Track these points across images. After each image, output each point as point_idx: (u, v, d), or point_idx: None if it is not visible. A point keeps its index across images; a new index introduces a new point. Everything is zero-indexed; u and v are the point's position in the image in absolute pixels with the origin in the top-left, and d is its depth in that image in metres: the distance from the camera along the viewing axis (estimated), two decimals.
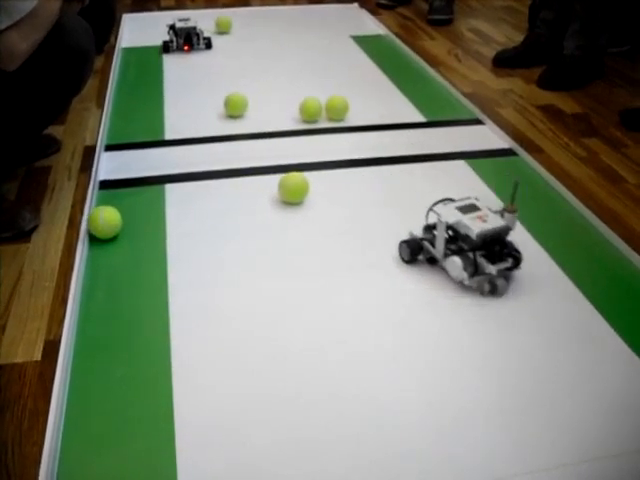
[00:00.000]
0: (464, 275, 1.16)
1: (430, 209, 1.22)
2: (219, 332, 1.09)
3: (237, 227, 1.36)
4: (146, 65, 2.22)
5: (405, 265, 1.24)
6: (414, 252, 1.24)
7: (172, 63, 2.22)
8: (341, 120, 1.81)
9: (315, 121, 1.79)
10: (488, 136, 1.76)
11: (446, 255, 1.19)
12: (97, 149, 1.63)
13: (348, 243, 1.31)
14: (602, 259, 1.29)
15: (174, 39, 2.31)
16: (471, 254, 1.17)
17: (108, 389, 0.98)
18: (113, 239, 1.31)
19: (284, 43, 2.42)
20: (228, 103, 1.82)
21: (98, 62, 2.25)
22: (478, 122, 1.84)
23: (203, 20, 2.40)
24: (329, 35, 2.53)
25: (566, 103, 1.99)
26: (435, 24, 2.75)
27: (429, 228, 1.24)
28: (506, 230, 1.18)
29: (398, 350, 1.05)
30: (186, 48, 2.31)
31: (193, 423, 0.93)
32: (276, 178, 1.44)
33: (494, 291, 1.17)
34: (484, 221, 1.17)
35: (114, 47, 2.34)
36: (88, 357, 1.04)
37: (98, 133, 1.72)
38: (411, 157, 1.62)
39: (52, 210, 1.44)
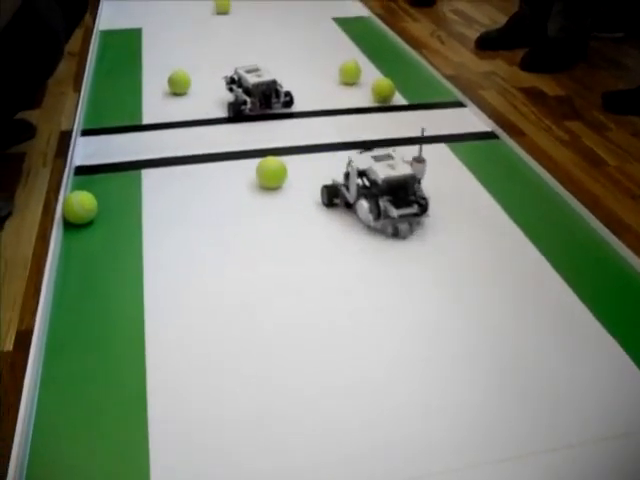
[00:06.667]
0: (370, 218, 1.25)
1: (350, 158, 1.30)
2: (194, 319, 1.08)
3: (214, 212, 1.34)
4: (124, 48, 2.18)
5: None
6: (331, 196, 1.34)
7: (151, 46, 2.18)
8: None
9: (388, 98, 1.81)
10: (470, 119, 1.75)
11: (358, 199, 1.27)
12: (73, 134, 1.59)
13: (325, 230, 1.30)
14: (581, 242, 1.29)
15: (247, 99, 1.69)
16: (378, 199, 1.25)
17: (80, 380, 0.97)
18: (88, 225, 1.29)
19: (264, 25, 2.39)
20: (170, 81, 1.82)
21: (75, 45, 2.20)
22: (460, 105, 1.82)
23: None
24: (311, 17, 2.50)
25: (549, 86, 1.97)
26: (418, 5, 2.72)
27: (348, 175, 1.30)
28: (412, 178, 1.27)
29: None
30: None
31: (167, 414, 0.91)
32: (254, 163, 1.42)
33: (396, 234, 1.25)
34: (392, 168, 1.26)
35: (92, 30, 2.29)
36: (61, 347, 1.02)
37: (74, 118, 1.68)
38: (391, 140, 1.60)
39: (26, 197, 1.41)
